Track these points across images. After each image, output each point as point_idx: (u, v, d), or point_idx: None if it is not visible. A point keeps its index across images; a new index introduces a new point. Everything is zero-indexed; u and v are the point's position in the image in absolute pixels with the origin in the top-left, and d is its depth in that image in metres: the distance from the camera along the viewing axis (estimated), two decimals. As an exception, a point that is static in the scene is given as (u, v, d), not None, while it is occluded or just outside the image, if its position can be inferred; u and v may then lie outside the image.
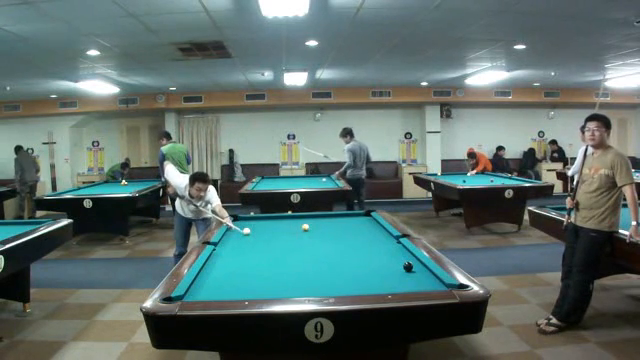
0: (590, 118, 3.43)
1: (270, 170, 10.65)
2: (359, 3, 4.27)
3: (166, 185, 5.82)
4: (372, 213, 4.50)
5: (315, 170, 10.67)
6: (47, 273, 5.11)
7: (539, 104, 11.16)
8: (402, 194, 10.89)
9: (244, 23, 4.89)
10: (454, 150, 11.10)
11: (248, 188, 6.88)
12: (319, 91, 10.32)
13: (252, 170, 10.63)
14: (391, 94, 10.54)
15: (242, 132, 11.16)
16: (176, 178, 4.80)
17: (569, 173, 4.48)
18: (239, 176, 10.98)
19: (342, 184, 6.93)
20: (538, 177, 10.49)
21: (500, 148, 10.59)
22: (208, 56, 6.38)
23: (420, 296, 2.19)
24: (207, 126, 11.09)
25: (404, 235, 3.43)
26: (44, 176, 10.15)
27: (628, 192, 3.25)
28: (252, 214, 4.96)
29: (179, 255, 4.48)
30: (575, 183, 3.64)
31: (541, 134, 11.70)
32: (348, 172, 7.31)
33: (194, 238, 4.63)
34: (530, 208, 4.79)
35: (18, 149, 9.04)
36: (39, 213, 8.74)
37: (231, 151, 11.18)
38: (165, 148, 6.80)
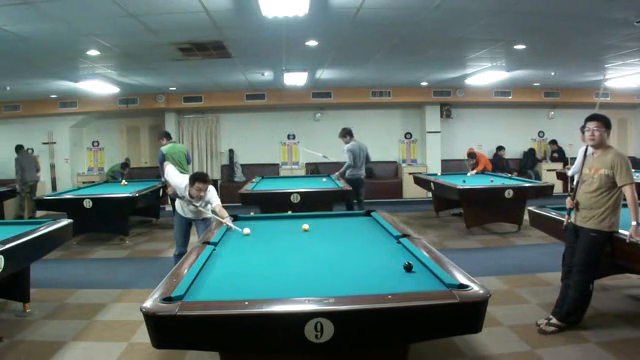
0: (590, 118, 3.43)
1: (270, 170, 10.65)
2: (359, 3, 4.27)
3: (166, 185, 5.82)
4: (372, 213, 4.50)
5: (315, 170, 10.67)
6: (47, 273, 5.10)
7: (539, 104, 11.16)
8: (402, 194, 10.89)
9: (244, 23, 4.89)
10: (454, 150, 11.10)
11: (248, 188, 6.88)
12: (319, 91, 10.32)
13: (252, 170, 10.63)
14: (391, 94, 10.54)
15: (242, 132, 11.16)
16: (176, 178, 4.79)
17: (569, 173, 4.48)
18: (239, 176, 10.98)
19: (342, 184, 6.93)
20: (538, 177, 10.49)
21: (500, 148, 10.59)
22: (208, 56, 6.38)
23: (420, 296, 2.19)
24: (207, 126, 11.09)
25: (404, 235, 3.43)
26: (44, 176, 10.15)
27: (628, 192, 3.25)
28: (252, 214, 4.96)
29: (179, 255, 4.48)
30: (575, 183, 3.64)
31: (541, 134, 11.70)
32: (347, 172, 7.31)
33: (194, 238, 4.63)
34: (530, 208, 4.79)
35: (19, 148, 9.04)
36: (39, 213, 8.74)
37: (231, 151, 11.18)
38: (165, 148, 6.81)
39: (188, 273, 2.59)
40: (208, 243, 3.34)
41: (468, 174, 8.47)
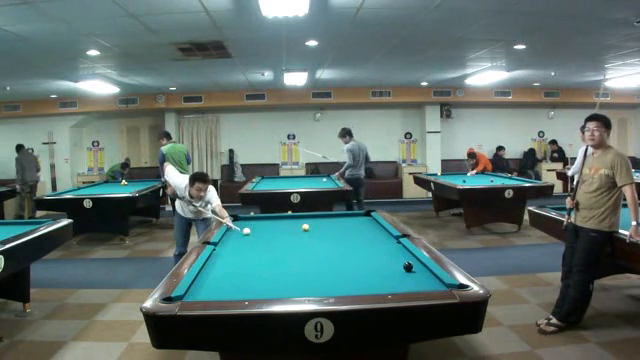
0: (590, 118, 3.43)
1: (270, 170, 10.65)
2: (359, 3, 4.27)
3: (166, 185, 5.82)
4: (372, 213, 4.50)
5: (315, 170, 10.67)
6: (47, 273, 5.10)
7: (539, 104, 11.16)
8: (402, 194, 10.89)
9: (244, 23, 4.89)
10: (454, 150, 11.10)
11: (248, 188, 6.88)
12: (319, 91, 10.32)
13: (252, 170, 10.63)
14: (391, 94, 10.54)
15: (242, 132, 11.16)
16: (176, 178, 4.80)
17: (569, 173, 4.48)
18: (239, 176, 10.98)
19: (342, 184, 6.94)
20: (538, 177, 10.49)
21: (500, 148, 10.60)
22: (208, 56, 6.38)
23: (420, 296, 2.19)
24: (207, 126, 11.09)
25: (404, 235, 3.43)
26: (44, 176, 10.15)
27: (628, 192, 3.25)
28: (252, 214, 4.96)
29: (179, 255, 4.48)
30: (575, 183, 3.64)
31: (541, 134, 11.70)
32: (347, 172, 7.32)
33: (194, 238, 4.63)
34: (530, 208, 4.79)
35: (19, 148, 9.03)
36: (39, 213, 8.74)
37: (231, 151, 11.18)
38: (165, 148, 6.81)
39: (188, 273, 2.59)
40: (208, 243, 3.34)
41: (468, 174, 8.47)
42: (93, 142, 11.42)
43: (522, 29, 5.25)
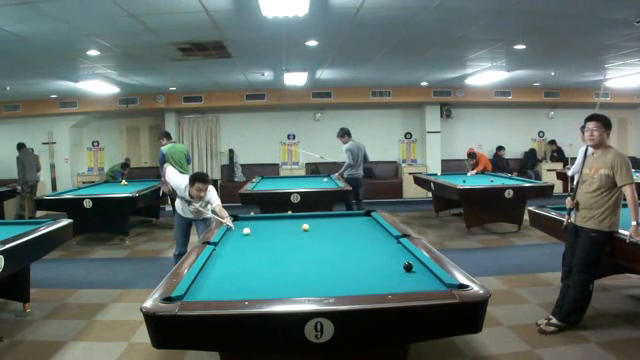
0: (589, 118, 3.43)
1: (270, 170, 10.65)
2: (359, 3, 4.27)
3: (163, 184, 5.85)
4: (372, 213, 4.50)
5: (315, 170, 10.67)
6: (47, 273, 5.10)
7: (539, 104, 11.16)
8: (402, 194, 10.89)
9: (244, 23, 4.89)
10: (454, 150, 11.10)
11: (248, 188, 6.88)
12: (319, 91, 10.32)
13: (252, 170, 10.63)
14: (391, 94, 10.54)
15: (242, 132, 11.16)
16: (176, 179, 4.80)
17: (569, 173, 4.48)
18: (239, 176, 10.98)
19: (342, 184, 6.94)
20: (538, 177, 10.49)
21: (500, 148, 10.60)
22: (208, 56, 6.38)
23: (420, 296, 2.19)
24: (207, 126, 11.09)
25: (404, 235, 3.43)
26: (44, 176, 10.15)
27: (628, 192, 3.25)
28: (252, 214, 4.96)
29: (179, 255, 4.48)
30: (575, 183, 3.64)
31: (541, 134, 11.70)
32: (346, 172, 7.33)
33: (194, 238, 4.63)
34: (530, 208, 4.79)
35: (20, 147, 9.03)
36: (39, 213, 8.74)
37: (231, 151, 11.18)
38: (165, 148, 6.81)
39: (188, 273, 2.59)
40: (208, 243, 3.34)
41: (468, 174, 8.47)
42: (93, 142, 11.43)
43: (522, 29, 5.25)
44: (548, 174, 10.43)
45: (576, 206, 3.50)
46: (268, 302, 2.12)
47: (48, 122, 10.48)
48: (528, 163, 11.22)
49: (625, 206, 3.30)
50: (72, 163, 10.85)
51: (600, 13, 4.66)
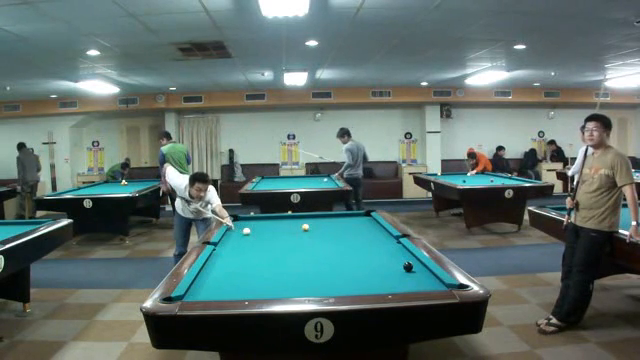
0: (589, 118, 3.44)
1: (270, 170, 10.65)
2: (359, 3, 4.27)
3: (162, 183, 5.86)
4: (372, 213, 4.50)
5: (315, 170, 10.67)
6: (47, 273, 5.11)
7: (539, 104, 11.15)
8: (402, 194, 10.89)
9: (244, 23, 4.89)
10: (454, 150, 11.10)
11: (248, 188, 6.88)
12: (319, 91, 10.32)
13: (252, 170, 10.63)
14: (391, 94, 10.54)
15: (242, 132, 11.16)
16: (176, 179, 4.80)
17: (569, 173, 4.48)
18: (239, 176, 10.98)
19: (342, 184, 6.94)
20: (538, 177, 10.49)
21: (500, 148, 10.60)
22: (208, 56, 6.38)
23: (420, 296, 2.19)
24: (207, 126, 11.09)
25: (404, 235, 3.43)
26: (44, 176, 10.15)
27: (628, 192, 3.25)
28: (252, 214, 4.96)
29: (179, 255, 4.48)
30: (575, 183, 3.64)
31: (541, 134, 11.70)
32: (346, 172, 7.33)
33: (194, 238, 4.63)
34: (530, 208, 4.79)
35: (21, 147, 9.03)
36: (39, 213, 8.74)
37: (231, 151, 11.18)
38: (165, 148, 6.81)
39: (188, 273, 2.59)
40: (208, 243, 3.34)
41: (468, 174, 8.47)
42: (93, 142, 11.42)
43: (522, 29, 5.25)
44: (548, 174, 10.43)
45: (576, 206, 3.50)
46: (268, 302, 2.12)
47: (48, 122, 10.48)
48: (528, 163, 11.22)
49: (625, 206, 3.30)
50: (72, 163, 10.85)
51: (600, 13, 4.66)
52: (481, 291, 2.18)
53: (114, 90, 8.71)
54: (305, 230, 3.93)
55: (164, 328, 2.09)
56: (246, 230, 3.83)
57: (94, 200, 6.38)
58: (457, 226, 7.50)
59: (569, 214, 3.59)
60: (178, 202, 4.77)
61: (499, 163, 10.09)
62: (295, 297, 2.17)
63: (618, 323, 3.60)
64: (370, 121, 11.05)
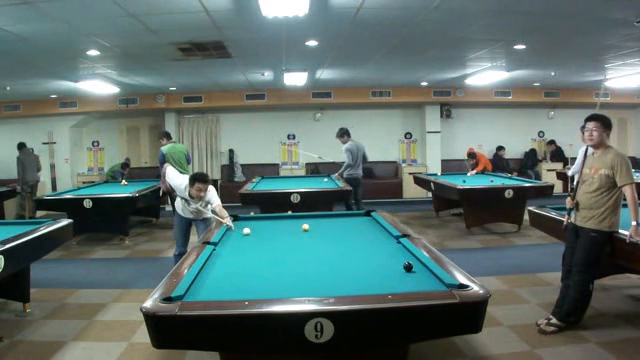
0: (589, 118, 3.44)
1: (270, 170, 10.65)
2: (359, 3, 4.27)
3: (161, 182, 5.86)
4: (372, 213, 4.50)
5: (315, 170, 10.67)
6: (47, 273, 5.11)
7: (539, 104, 11.15)
8: (402, 194, 10.89)
9: (244, 23, 4.89)
10: (454, 150, 11.10)
11: (248, 188, 6.88)
12: (319, 91, 10.32)
13: (252, 170, 10.63)
14: (391, 94, 10.54)
15: (242, 132, 11.16)
16: (176, 179, 4.81)
17: (569, 173, 4.48)
18: (239, 176, 10.98)
19: (342, 184, 6.94)
20: (538, 177, 10.49)
21: (500, 148, 10.60)
22: (208, 56, 6.38)
23: (420, 296, 2.19)
24: (207, 126, 11.09)
25: (404, 235, 3.43)
26: (44, 176, 10.15)
27: (628, 192, 3.25)
28: (252, 214, 4.96)
29: (179, 255, 4.48)
30: (575, 183, 3.64)
31: (541, 134, 11.70)
32: (346, 172, 7.33)
33: (194, 238, 4.63)
34: (530, 208, 4.79)
35: (21, 147, 9.03)
36: (39, 213, 8.74)
37: (231, 151, 11.18)
38: (165, 148, 6.80)
39: (188, 273, 2.59)
40: (208, 243, 3.34)
41: (468, 174, 8.47)
42: (93, 142, 11.42)
43: (522, 29, 5.25)
44: (548, 174, 10.43)
45: (576, 206, 3.50)
46: (268, 302, 2.12)
47: (48, 122, 10.48)
48: (528, 163, 11.22)
49: (625, 206, 3.30)
50: (72, 163, 10.85)
51: (600, 13, 4.66)
52: (481, 291, 2.18)
53: (114, 90, 8.71)
54: (305, 230, 3.93)
55: (164, 328, 2.09)
56: (246, 230, 3.83)
57: (94, 200, 6.38)
58: (457, 226, 7.50)
59: (569, 214, 3.59)
60: (178, 202, 4.78)
61: (499, 163, 10.10)
62: (295, 297, 2.17)
63: (618, 323, 3.60)
64: (370, 121, 11.05)
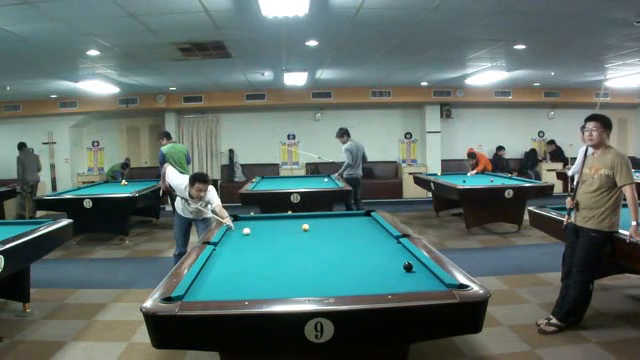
0: (589, 118, 3.44)
1: (270, 170, 10.65)
2: (359, 3, 4.27)
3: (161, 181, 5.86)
4: (372, 213, 4.50)
5: (315, 170, 10.67)
6: (47, 273, 5.11)
7: (539, 104, 11.15)
8: (402, 194, 10.89)
9: (244, 23, 4.89)
10: (454, 150, 11.10)
11: (248, 188, 6.88)
12: (319, 91, 10.32)
13: (252, 170, 10.63)
14: (391, 94, 10.54)
15: (242, 132, 11.16)
16: (176, 179, 4.81)
17: (569, 173, 4.48)
18: (239, 176, 10.98)
19: (342, 184, 6.94)
20: (538, 177, 10.49)
21: (500, 148, 10.60)
22: (208, 56, 6.38)
23: (420, 296, 2.19)
24: (207, 126, 11.09)
25: (404, 235, 3.43)
26: (44, 176, 10.15)
27: (628, 192, 3.25)
28: (252, 214, 4.96)
29: (179, 255, 4.48)
30: (575, 183, 3.64)
31: (541, 134, 11.70)
32: (345, 172, 7.33)
33: (194, 238, 4.63)
34: (530, 208, 4.79)
35: (21, 147, 9.03)
36: (39, 213, 8.74)
37: (231, 151, 11.18)
38: (165, 148, 6.80)
39: (188, 273, 2.59)
40: (208, 243, 3.34)
41: (468, 174, 8.47)
42: (93, 142, 11.42)
43: (522, 29, 5.25)
44: (548, 174, 10.43)
45: (576, 206, 3.50)
46: (268, 302, 2.12)
47: (48, 122, 10.48)
48: (528, 163, 11.22)
49: (625, 206, 3.30)
50: (72, 163, 10.85)
51: (600, 13, 4.66)
52: (481, 291, 2.18)
53: (114, 90, 8.71)
54: (305, 230, 3.93)
55: (164, 328, 2.09)
56: (246, 230, 3.83)
57: (94, 200, 6.38)
58: (457, 226, 7.50)
59: (569, 214, 3.59)
60: (178, 202, 4.78)
61: (499, 163, 10.09)
62: (295, 297, 2.17)
63: (618, 323, 3.60)
64: (370, 121, 11.05)
